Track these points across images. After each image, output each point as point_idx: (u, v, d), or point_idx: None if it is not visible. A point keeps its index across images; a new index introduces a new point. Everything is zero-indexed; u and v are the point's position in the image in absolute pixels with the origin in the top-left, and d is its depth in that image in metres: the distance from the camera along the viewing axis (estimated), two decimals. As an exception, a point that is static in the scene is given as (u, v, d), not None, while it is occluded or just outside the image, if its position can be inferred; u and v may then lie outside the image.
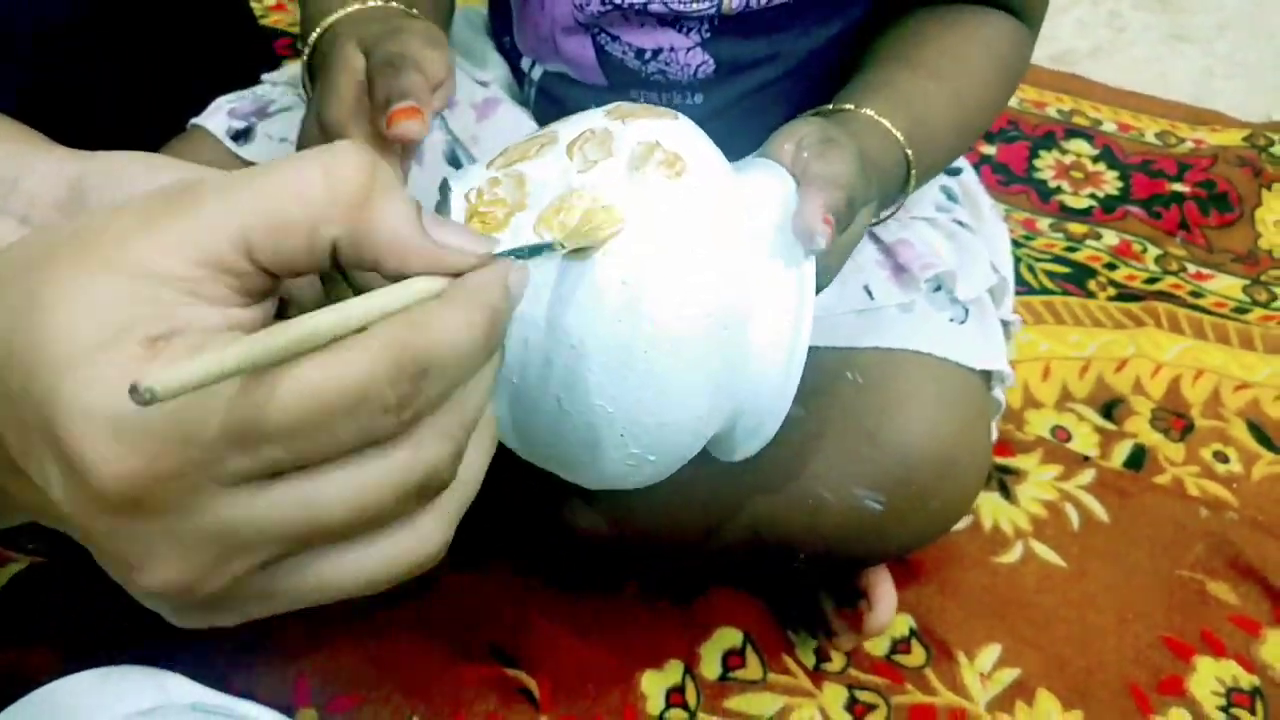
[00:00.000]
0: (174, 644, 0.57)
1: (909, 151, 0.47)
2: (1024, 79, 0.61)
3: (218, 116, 0.61)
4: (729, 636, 0.59)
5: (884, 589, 0.57)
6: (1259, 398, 0.74)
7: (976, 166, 0.66)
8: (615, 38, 0.55)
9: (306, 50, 0.46)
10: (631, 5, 0.53)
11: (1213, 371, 0.75)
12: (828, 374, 0.51)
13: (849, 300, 0.53)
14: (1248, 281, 0.83)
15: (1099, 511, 0.67)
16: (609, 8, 0.53)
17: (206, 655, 0.57)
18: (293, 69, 0.64)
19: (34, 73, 0.66)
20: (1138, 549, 0.65)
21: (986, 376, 0.55)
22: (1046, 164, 0.92)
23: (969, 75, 0.51)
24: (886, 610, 0.57)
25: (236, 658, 0.57)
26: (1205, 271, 0.83)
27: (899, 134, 0.47)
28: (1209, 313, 0.80)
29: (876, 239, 0.56)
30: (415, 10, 0.47)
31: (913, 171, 0.48)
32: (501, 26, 0.62)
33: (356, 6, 0.45)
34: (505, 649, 0.59)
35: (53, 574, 0.60)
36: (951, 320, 0.54)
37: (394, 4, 0.46)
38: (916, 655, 0.59)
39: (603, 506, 0.55)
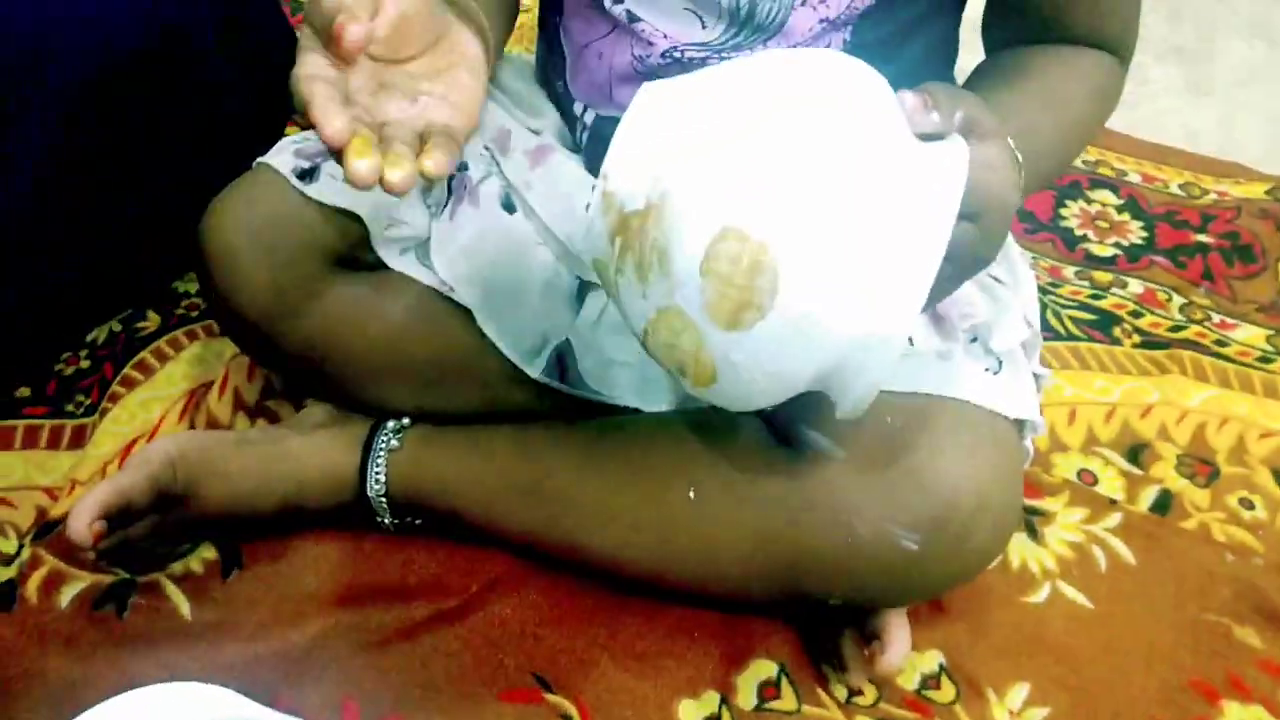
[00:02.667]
0: (227, 662, 0.59)
1: (1019, 156, 0.47)
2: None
3: (283, 156, 0.64)
4: (764, 668, 0.61)
5: (899, 632, 0.58)
6: (1283, 446, 0.75)
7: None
8: None
9: None
10: (691, 59, 0.56)
11: (1237, 419, 0.77)
12: (867, 414, 0.53)
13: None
14: (1272, 331, 0.84)
15: (1126, 554, 0.68)
16: (669, 61, 0.56)
17: (258, 673, 0.59)
18: (352, 111, 0.68)
19: (79, 107, 0.70)
20: (1164, 592, 0.66)
21: (1018, 426, 0.57)
22: (1072, 213, 0.95)
23: (1068, 103, 0.53)
24: (899, 653, 0.57)
25: (286, 676, 0.59)
26: (1230, 321, 0.85)
27: (1010, 140, 0.47)
28: (1234, 361, 0.81)
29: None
30: None
31: (1021, 177, 0.48)
32: (554, 73, 0.65)
33: None
34: (546, 675, 0.60)
35: (114, 591, 0.62)
36: (987, 370, 0.56)
37: None
38: (946, 691, 0.61)
39: (650, 537, 0.57)
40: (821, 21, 0.54)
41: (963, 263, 0.43)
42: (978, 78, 0.56)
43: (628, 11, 0.57)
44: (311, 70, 0.40)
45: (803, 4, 0.54)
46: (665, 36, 0.56)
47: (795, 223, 0.36)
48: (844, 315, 0.38)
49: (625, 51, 0.58)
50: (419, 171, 0.39)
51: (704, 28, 0.55)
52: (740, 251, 0.36)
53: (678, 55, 0.56)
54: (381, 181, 0.38)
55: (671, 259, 0.38)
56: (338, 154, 0.38)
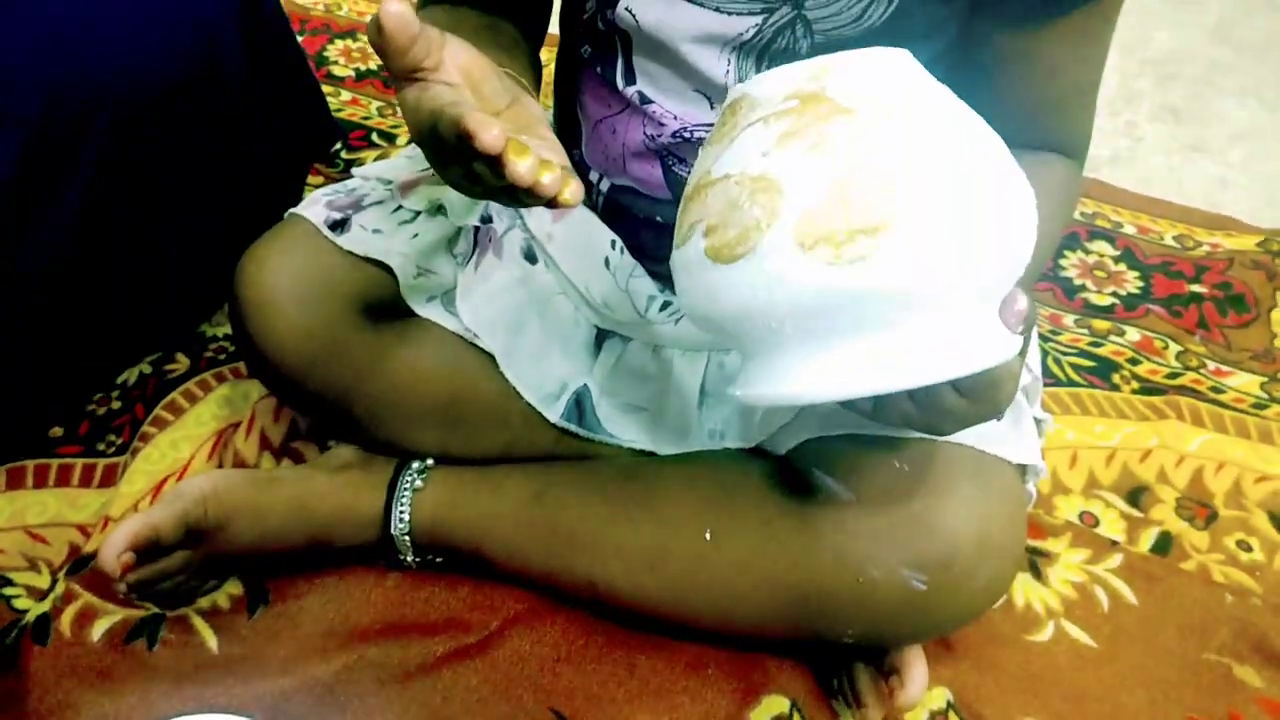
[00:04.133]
0: (254, 695, 0.61)
1: None
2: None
3: (316, 208, 0.67)
4: (777, 703, 0.62)
5: (917, 667, 0.60)
6: (1279, 490, 0.77)
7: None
8: (682, 160, 0.61)
9: None
10: (700, 139, 0.59)
11: (1234, 464, 0.79)
12: (878, 461, 0.55)
13: (897, 393, 0.57)
14: (1265, 379, 0.87)
15: (1127, 594, 0.70)
16: (679, 140, 0.59)
17: (284, 706, 0.61)
18: (380, 166, 0.71)
19: (114, 155, 0.73)
20: (1166, 632, 0.68)
21: (1021, 470, 0.59)
22: (1071, 263, 0.98)
23: (1044, 220, 0.55)
24: (917, 688, 0.59)
25: (311, 709, 0.61)
26: (1225, 368, 0.87)
27: None
28: (1229, 407, 0.83)
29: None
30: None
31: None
32: (569, 140, 0.68)
33: None
34: (564, 710, 0.62)
35: (145, 625, 0.64)
36: None
37: None
38: (955, 728, 0.62)
39: (666, 577, 0.59)
40: None
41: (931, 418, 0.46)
42: None
43: (639, 93, 0.59)
44: (449, 98, 0.42)
45: None
46: (675, 118, 0.59)
47: (932, 232, 0.38)
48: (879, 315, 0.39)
49: (638, 130, 0.61)
50: (558, 202, 0.41)
51: (713, 108, 0.58)
52: (879, 204, 0.37)
53: (687, 135, 0.59)
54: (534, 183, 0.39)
55: (824, 152, 0.38)
56: (495, 159, 0.39)
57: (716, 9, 0.54)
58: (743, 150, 0.40)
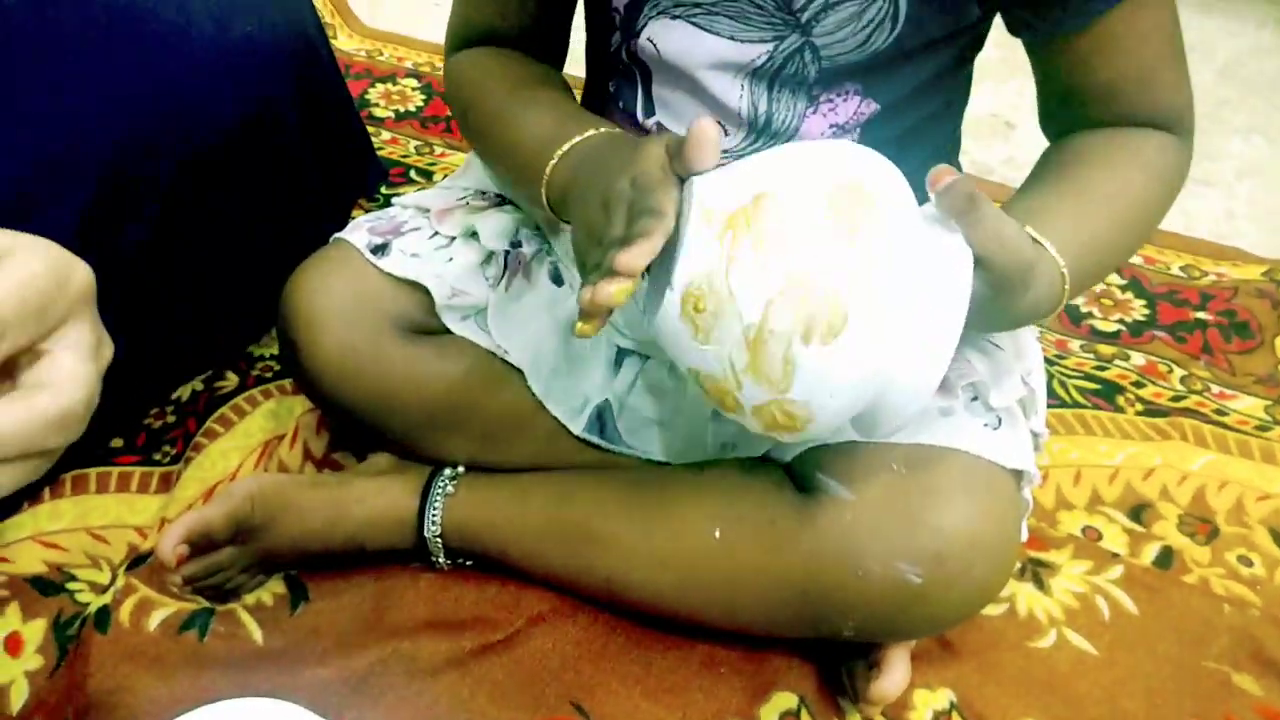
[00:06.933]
0: (295, 684, 0.65)
1: (1064, 270, 0.52)
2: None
3: (359, 233, 0.72)
4: (785, 699, 0.66)
5: (898, 663, 0.62)
6: (1280, 508, 0.80)
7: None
8: None
9: (548, 171, 0.54)
10: (719, 164, 0.64)
11: (1236, 482, 0.81)
12: (876, 463, 0.59)
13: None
14: (1269, 402, 0.89)
15: (1128, 604, 0.72)
16: None
17: (323, 695, 0.65)
18: (418, 196, 0.76)
19: (178, 188, 0.79)
20: (1166, 640, 0.70)
21: (1017, 477, 0.62)
22: (1078, 291, 1.01)
23: (1129, 195, 0.56)
24: (892, 682, 0.61)
25: (347, 699, 0.65)
26: (1228, 392, 0.90)
27: (1059, 256, 0.52)
28: (1232, 429, 0.86)
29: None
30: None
31: (1067, 288, 0.53)
32: None
33: (594, 132, 0.54)
34: (584, 704, 0.65)
35: (196, 618, 0.68)
36: (985, 425, 0.62)
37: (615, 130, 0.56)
38: (957, 727, 0.65)
39: (678, 574, 0.63)
40: (831, 127, 0.62)
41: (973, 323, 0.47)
42: (1034, 173, 0.60)
43: (658, 124, 0.65)
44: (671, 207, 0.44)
45: (814, 112, 0.61)
46: None
47: (866, 286, 0.42)
48: (895, 361, 0.44)
49: None
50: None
51: (726, 135, 0.63)
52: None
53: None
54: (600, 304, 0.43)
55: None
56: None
57: (730, 37, 0.59)
58: (749, 281, 0.43)
